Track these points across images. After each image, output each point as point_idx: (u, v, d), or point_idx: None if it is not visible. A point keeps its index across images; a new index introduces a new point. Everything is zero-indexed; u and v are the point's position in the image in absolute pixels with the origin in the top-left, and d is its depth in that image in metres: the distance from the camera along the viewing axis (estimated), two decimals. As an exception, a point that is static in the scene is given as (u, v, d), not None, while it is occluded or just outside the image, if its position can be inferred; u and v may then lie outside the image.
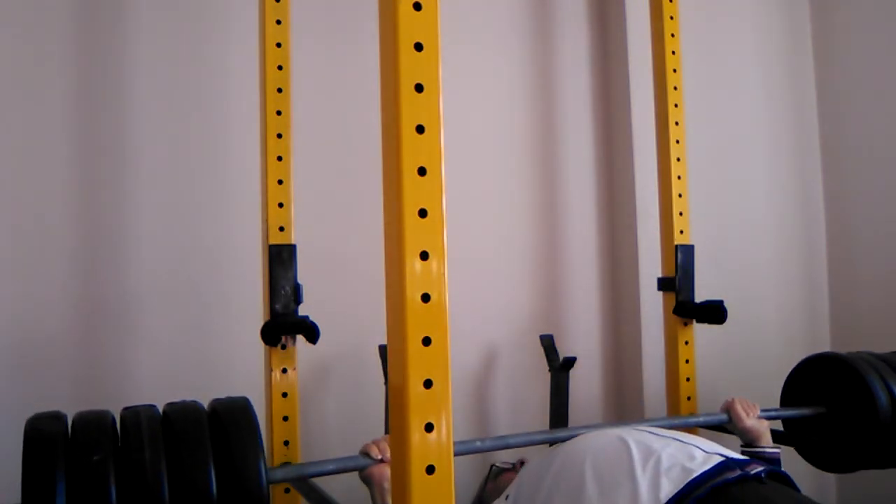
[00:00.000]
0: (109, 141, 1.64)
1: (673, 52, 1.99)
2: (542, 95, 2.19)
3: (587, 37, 2.27)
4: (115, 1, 1.67)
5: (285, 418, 1.55)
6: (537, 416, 2.00)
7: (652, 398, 2.09)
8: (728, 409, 1.69)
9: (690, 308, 1.92)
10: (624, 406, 2.19)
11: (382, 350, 1.65)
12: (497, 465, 1.78)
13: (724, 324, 1.85)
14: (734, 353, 2.24)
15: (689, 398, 1.94)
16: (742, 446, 1.69)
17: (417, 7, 0.85)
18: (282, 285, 1.54)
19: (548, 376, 1.91)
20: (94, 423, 1.02)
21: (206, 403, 1.12)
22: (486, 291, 2.02)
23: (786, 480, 1.21)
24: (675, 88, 1.98)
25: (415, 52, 0.84)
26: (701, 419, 1.76)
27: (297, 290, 1.55)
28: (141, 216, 1.66)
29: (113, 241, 1.63)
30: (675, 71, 1.98)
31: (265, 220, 1.57)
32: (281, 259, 1.54)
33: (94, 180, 1.63)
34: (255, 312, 1.56)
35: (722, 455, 1.19)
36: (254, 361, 1.57)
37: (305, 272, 1.57)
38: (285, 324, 1.51)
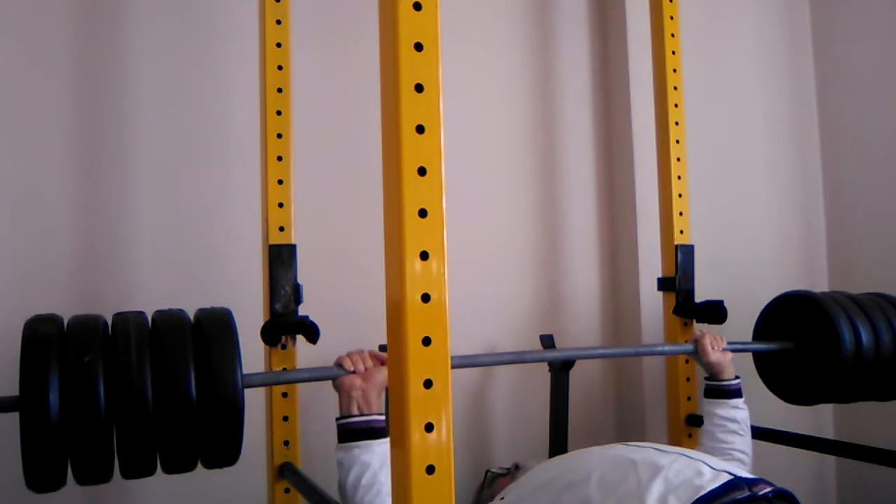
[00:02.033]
0: (108, 141, 1.64)
1: (673, 52, 1.99)
2: (542, 95, 2.19)
3: (587, 37, 2.27)
4: (114, 0, 1.67)
5: (285, 418, 1.55)
6: (537, 416, 2.00)
7: (652, 398, 2.09)
8: (696, 341, 1.77)
9: (690, 308, 1.93)
10: (624, 406, 2.19)
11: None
12: (492, 470, 1.78)
13: (724, 323, 1.86)
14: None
15: (689, 398, 1.95)
16: (706, 379, 1.77)
17: (417, 7, 0.85)
18: (282, 285, 1.54)
19: (548, 376, 1.91)
20: (86, 326, 1.09)
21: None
22: (486, 291, 2.02)
23: (793, 501, 1.20)
24: (675, 88, 1.98)
25: (415, 52, 0.84)
26: (667, 348, 1.87)
27: (297, 290, 1.55)
28: (140, 216, 1.66)
29: (112, 241, 1.63)
30: (675, 71, 1.99)
31: (265, 220, 1.57)
32: (281, 259, 1.54)
33: (93, 180, 1.62)
34: (255, 312, 1.56)
35: (730, 473, 1.17)
36: (254, 361, 1.57)
37: (305, 272, 1.57)
38: (285, 324, 1.51)
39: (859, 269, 2.35)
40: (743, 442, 1.68)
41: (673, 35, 1.99)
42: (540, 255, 2.14)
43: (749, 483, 1.15)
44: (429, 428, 0.82)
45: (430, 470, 0.81)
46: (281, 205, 1.56)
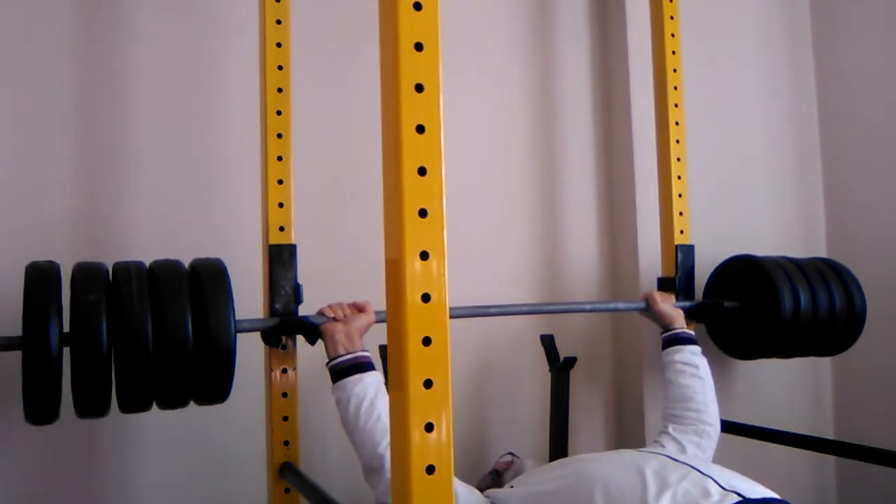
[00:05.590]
0: (109, 140, 1.64)
1: (673, 52, 1.99)
2: (542, 95, 2.19)
3: (587, 37, 2.27)
4: (114, 0, 1.67)
5: (285, 418, 1.55)
6: (537, 416, 2.00)
7: (652, 399, 2.09)
8: (646, 297, 1.87)
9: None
10: (624, 406, 2.19)
11: (382, 350, 1.64)
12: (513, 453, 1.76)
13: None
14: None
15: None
16: (662, 333, 1.83)
17: (417, 7, 0.85)
18: (282, 285, 1.54)
19: (548, 376, 1.91)
20: (89, 270, 1.20)
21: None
22: (486, 291, 2.01)
23: None
24: (675, 88, 1.98)
25: (415, 52, 0.84)
26: (621, 304, 1.99)
27: (297, 290, 1.55)
28: (140, 216, 1.66)
29: (112, 242, 1.63)
30: (675, 71, 1.99)
31: (265, 220, 1.57)
32: (281, 259, 1.54)
33: (93, 181, 1.62)
34: (256, 312, 1.56)
35: (739, 494, 1.15)
36: (254, 360, 1.57)
37: (305, 272, 1.57)
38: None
39: (859, 267, 2.35)
40: (703, 385, 1.68)
41: (673, 35, 2.00)
42: (540, 255, 2.14)
43: None
44: (429, 428, 0.82)
45: (430, 470, 0.81)
46: (281, 205, 1.56)
